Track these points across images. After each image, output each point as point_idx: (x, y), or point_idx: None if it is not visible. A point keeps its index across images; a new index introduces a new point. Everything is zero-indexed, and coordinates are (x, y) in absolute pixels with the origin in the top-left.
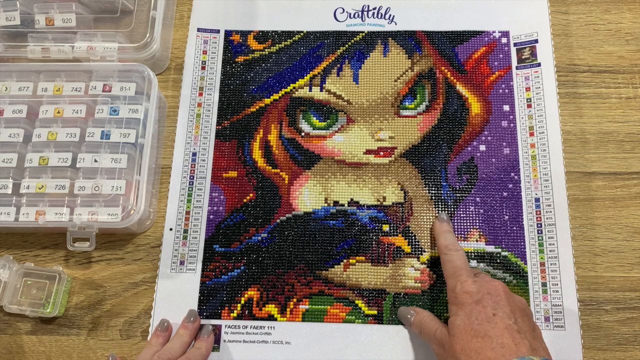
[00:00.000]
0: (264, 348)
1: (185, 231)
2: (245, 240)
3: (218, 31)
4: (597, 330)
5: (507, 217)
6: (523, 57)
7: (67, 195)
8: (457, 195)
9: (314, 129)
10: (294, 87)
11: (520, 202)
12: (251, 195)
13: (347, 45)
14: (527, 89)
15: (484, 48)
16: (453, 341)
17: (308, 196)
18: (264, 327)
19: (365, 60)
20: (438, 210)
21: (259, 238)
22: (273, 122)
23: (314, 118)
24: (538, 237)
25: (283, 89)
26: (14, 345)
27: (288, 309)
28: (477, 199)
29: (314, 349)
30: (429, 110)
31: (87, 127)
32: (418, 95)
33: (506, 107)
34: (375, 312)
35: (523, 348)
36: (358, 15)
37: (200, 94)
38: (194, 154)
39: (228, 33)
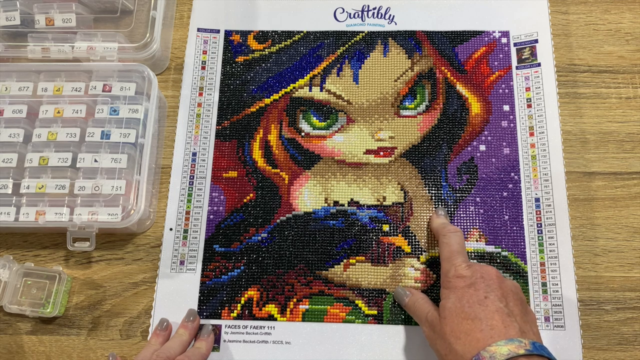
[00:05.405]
0: (264, 348)
1: (185, 231)
2: (245, 240)
3: (218, 31)
4: (597, 330)
5: (507, 217)
6: (523, 57)
7: (67, 195)
8: (457, 195)
9: (314, 129)
10: (294, 87)
11: (520, 202)
12: (251, 195)
13: (347, 45)
14: (527, 89)
15: (484, 48)
16: (443, 323)
17: (308, 196)
18: (264, 327)
19: (365, 60)
20: None
21: (259, 238)
22: (273, 122)
23: (314, 118)
24: (538, 237)
25: (283, 89)
26: (14, 345)
27: (288, 309)
28: (477, 199)
29: (314, 349)
30: (429, 110)
31: (87, 127)
32: (418, 95)
33: (506, 107)
34: (375, 312)
35: (512, 330)
36: (358, 15)
37: (200, 94)
38: (194, 154)
39: (228, 33)
